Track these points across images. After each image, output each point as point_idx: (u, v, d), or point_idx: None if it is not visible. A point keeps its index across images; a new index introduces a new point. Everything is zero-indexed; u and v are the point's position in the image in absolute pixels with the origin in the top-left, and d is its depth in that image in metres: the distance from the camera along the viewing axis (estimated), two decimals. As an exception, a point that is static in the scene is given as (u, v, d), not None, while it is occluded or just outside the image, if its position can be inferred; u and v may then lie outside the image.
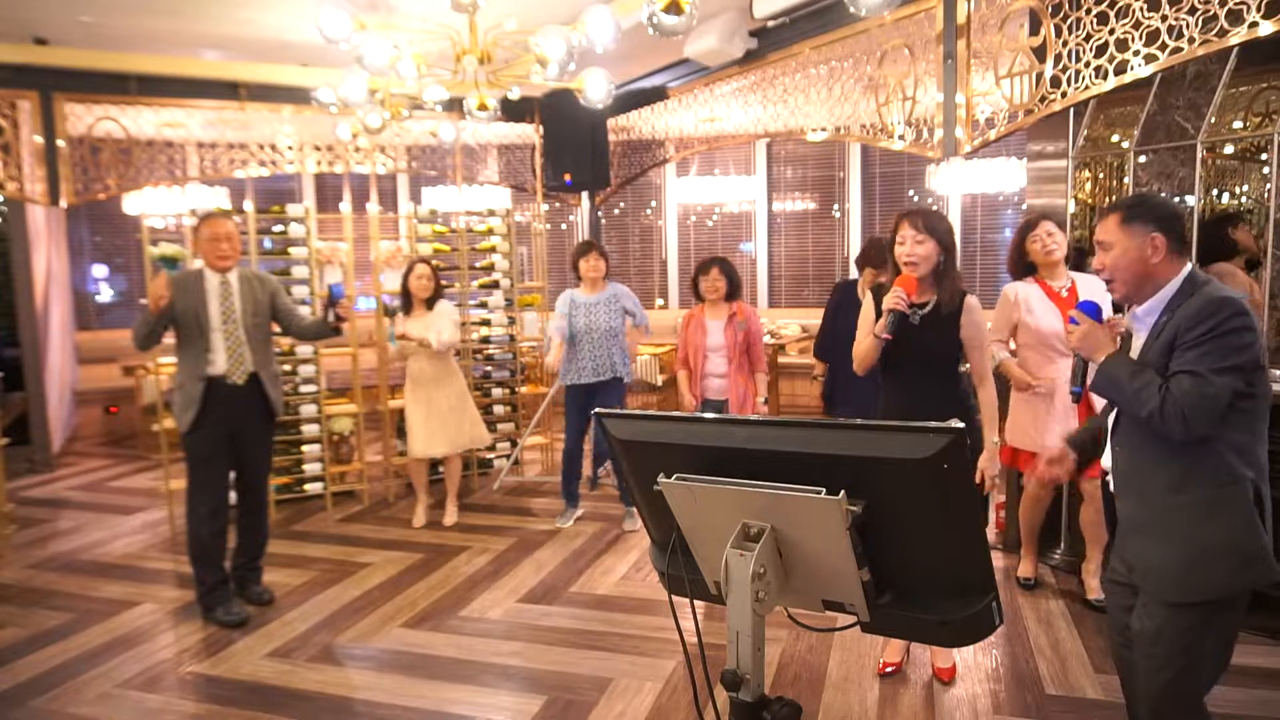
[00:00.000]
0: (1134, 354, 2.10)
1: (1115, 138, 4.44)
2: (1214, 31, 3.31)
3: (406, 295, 5.08)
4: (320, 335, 4.05)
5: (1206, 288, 2.00)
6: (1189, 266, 2.06)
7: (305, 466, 5.56)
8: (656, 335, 8.42)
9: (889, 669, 3.27)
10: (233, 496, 3.96)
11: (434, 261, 5.41)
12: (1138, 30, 3.59)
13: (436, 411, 5.12)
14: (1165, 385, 1.93)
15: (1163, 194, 4.17)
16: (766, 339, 7.57)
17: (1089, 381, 2.18)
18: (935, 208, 3.09)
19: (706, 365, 4.64)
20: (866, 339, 2.96)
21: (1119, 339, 2.18)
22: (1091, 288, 3.51)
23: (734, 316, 4.60)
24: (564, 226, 9.39)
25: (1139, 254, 2.05)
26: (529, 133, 7.70)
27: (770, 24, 5.59)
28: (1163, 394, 1.92)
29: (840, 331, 4.36)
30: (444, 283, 5.89)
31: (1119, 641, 2.27)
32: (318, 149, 7.19)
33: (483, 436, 5.40)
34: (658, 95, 7.04)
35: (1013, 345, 3.85)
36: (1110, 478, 2.20)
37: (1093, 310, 2.16)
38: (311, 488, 5.58)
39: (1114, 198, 4.41)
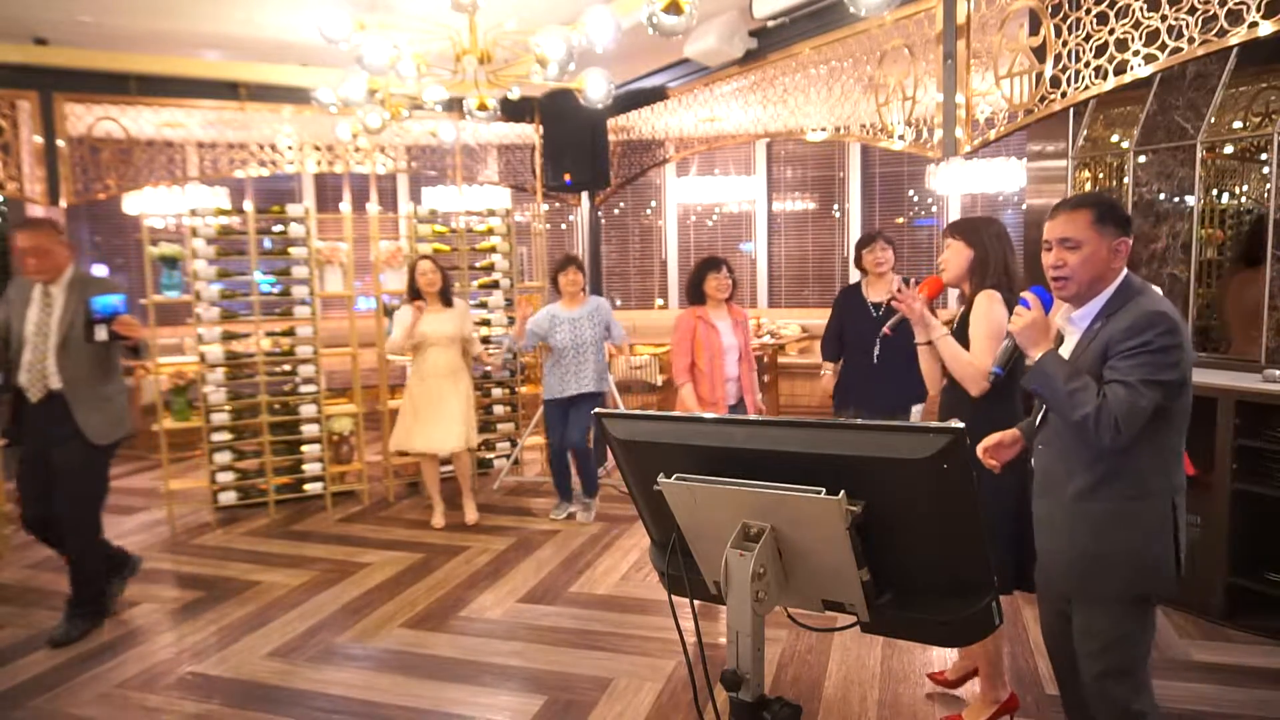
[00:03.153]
0: (1065, 356, 2.06)
1: (1115, 138, 4.44)
2: (1214, 31, 3.31)
3: (416, 294, 5.09)
4: (126, 355, 3.72)
5: (1141, 298, 1.98)
6: (1125, 271, 2.04)
7: (305, 466, 5.55)
8: (656, 335, 8.43)
9: (939, 679, 3.20)
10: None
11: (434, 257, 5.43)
12: (1138, 30, 3.59)
13: (442, 408, 5.09)
14: (1103, 392, 1.91)
15: (1161, 194, 4.17)
16: (767, 339, 7.59)
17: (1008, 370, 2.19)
18: (988, 215, 3.00)
19: (724, 368, 4.50)
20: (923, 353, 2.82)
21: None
22: None
23: (737, 318, 4.54)
24: (564, 226, 9.39)
25: (1106, 256, 1.99)
26: (529, 133, 7.70)
27: (770, 24, 5.59)
28: (1100, 400, 1.90)
29: (854, 332, 4.29)
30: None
31: (1049, 638, 2.32)
32: (318, 149, 7.19)
33: (475, 437, 5.35)
34: (658, 95, 7.04)
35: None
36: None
37: (1045, 299, 2.08)
38: (311, 488, 5.58)
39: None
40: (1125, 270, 2.03)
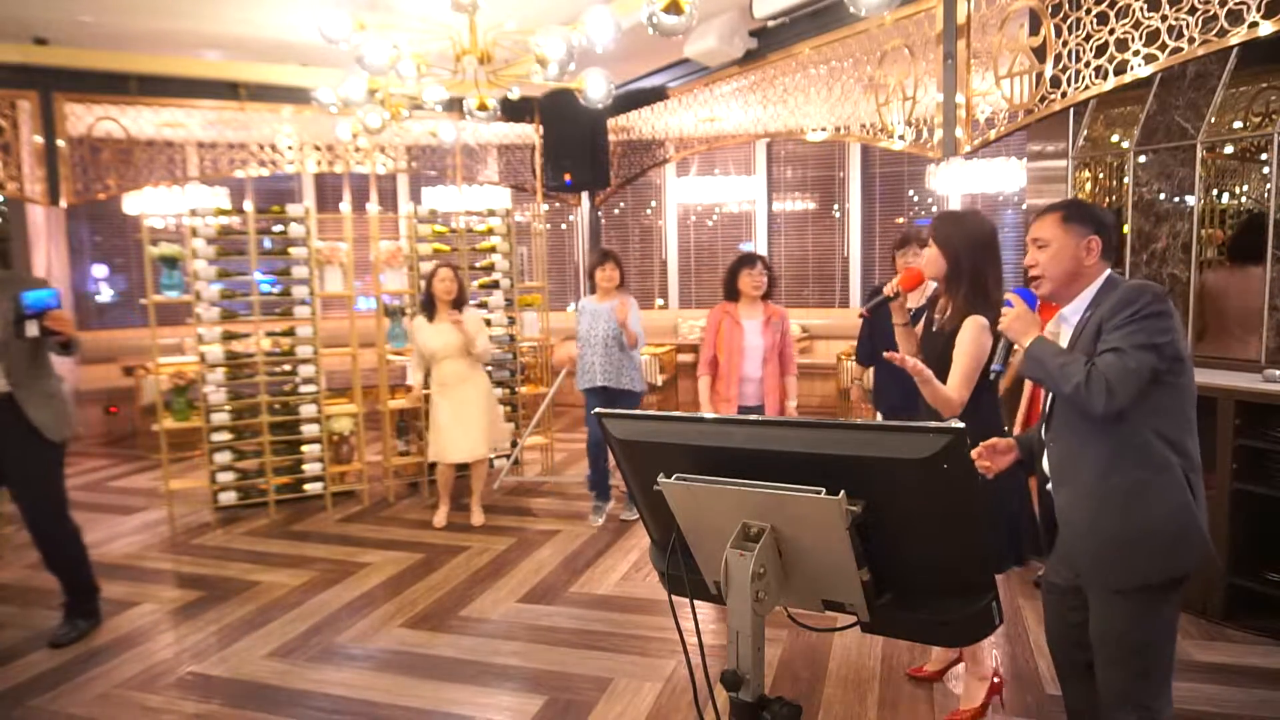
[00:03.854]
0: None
1: (1115, 138, 4.44)
2: (1214, 31, 3.31)
3: (430, 299, 5.07)
4: (57, 352, 3.62)
5: (1124, 282, 2.09)
6: (1109, 270, 2.14)
7: (305, 466, 5.55)
8: (655, 335, 8.43)
9: (920, 674, 3.22)
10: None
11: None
12: (1138, 30, 3.60)
13: (466, 415, 5.08)
14: (1091, 361, 1.98)
15: (1161, 194, 4.17)
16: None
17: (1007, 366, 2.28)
18: (959, 210, 2.93)
19: (743, 368, 4.41)
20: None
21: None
22: None
23: (770, 318, 4.42)
24: (564, 226, 9.39)
25: (1074, 253, 2.11)
26: (529, 133, 7.71)
27: (770, 24, 5.60)
28: (1088, 368, 1.96)
29: (885, 335, 4.20)
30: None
31: (1056, 645, 2.30)
32: (318, 149, 7.20)
33: (506, 434, 5.38)
34: (658, 95, 7.05)
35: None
36: (1049, 478, 2.21)
37: (1029, 297, 2.19)
38: (311, 488, 5.58)
39: (1113, 198, 4.42)
40: (1109, 270, 2.14)
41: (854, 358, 4.60)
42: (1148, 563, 2.01)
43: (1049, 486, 2.22)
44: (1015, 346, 2.22)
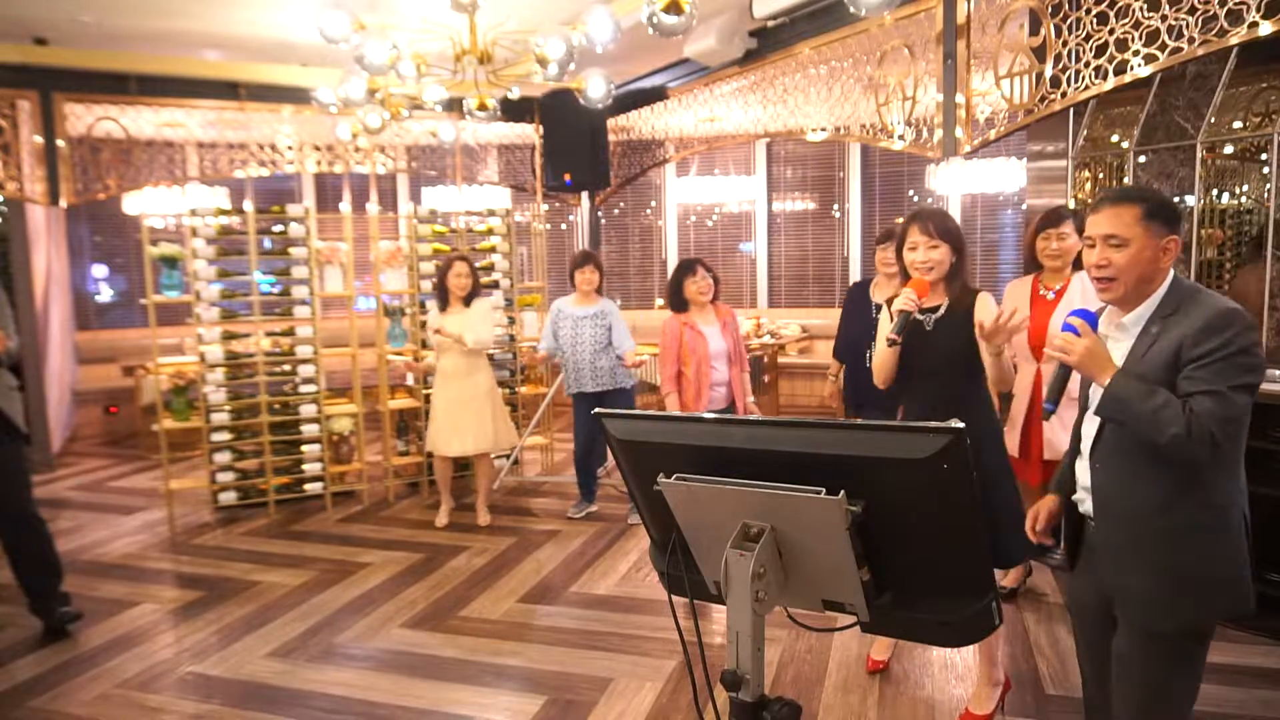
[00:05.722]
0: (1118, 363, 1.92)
1: (1115, 138, 4.45)
2: (1214, 31, 3.32)
3: (444, 292, 5.07)
4: None
5: (1201, 295, 1.85)
6: (1174, 271, 1.91)
7: (305, 466, 5.55)
8: (655, 335, 8.42)
9: (879, 668, 3.26)
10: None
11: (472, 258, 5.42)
12: (1138, 30, 3.60)
13: (465, 409, 5.06)
14: (1189, 407, 1.76)
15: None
16: (767, 339, 7.58)
17: (1088, 405, 2.00)
18: (940, 207, 2.94)
19: (713, 375, 4.40)
20: (882, 349, 2.83)
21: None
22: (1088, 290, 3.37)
23: (725, 320, 4.44)
24: (564, 226, 9.39)
25: (1154, 255, 1.85)
26: (529, 133, 7.71)
27: (770, 24, 5.60)
28: (1188, 416, 1.75)
29: (854, 331, 4.15)
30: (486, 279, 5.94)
31: (1086, 666, 2.17)
32: (318, 149, 7.20)
33: (512, 438, 5.34)
34: (658, 95, 7.05)
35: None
36: (1083, 497, 2.04)
37: (1092, 320, 1.92)
38: (311, 488, 5.58)
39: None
40: (1174, 271, 1.91)
41: (833, 353, 4.53)
42: (1194, 608, 1.87)
43: (1084, 508, 2.04)
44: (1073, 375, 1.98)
